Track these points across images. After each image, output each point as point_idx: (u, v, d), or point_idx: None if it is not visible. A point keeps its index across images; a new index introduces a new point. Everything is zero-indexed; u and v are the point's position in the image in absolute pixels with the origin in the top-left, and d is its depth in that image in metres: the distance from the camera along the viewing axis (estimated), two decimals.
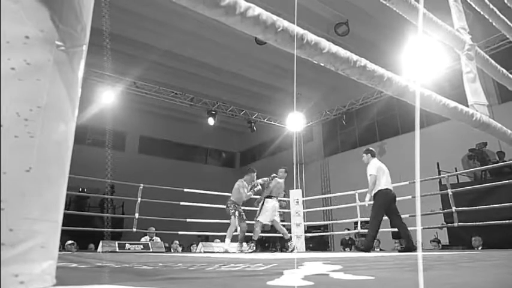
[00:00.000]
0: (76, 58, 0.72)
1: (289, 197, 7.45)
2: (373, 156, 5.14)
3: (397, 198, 6.23)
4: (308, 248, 8.41)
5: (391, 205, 4.88)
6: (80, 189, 10.20)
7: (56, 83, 0.66)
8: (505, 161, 6.56)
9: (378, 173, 4.89)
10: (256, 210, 5.74)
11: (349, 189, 7.23)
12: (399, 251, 5.12)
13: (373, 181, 4.85)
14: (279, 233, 5.96)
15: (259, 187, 5.83)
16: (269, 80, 12.16)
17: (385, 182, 4.87)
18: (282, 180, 5.87)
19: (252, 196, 5.82)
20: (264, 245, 9.88)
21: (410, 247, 4.64)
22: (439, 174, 7.14)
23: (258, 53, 10.29)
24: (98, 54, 7.21)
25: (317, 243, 10.52)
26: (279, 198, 5.80)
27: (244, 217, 5.81)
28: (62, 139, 0.68)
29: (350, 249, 5.82)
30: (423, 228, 6.31)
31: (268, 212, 5.60)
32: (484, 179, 6.68)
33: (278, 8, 4.53)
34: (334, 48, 1.03)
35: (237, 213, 5.66)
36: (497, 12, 2.16)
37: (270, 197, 5.70)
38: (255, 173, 5.98)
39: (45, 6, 0.66)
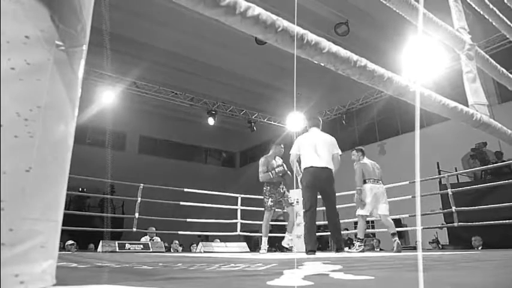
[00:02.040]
0: (76, 58, 0.72)
1: None
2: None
3: (397, 198, 6.23)
4: None
5: (322, 187, 4.09)
6: (80, 189, 10.20)
7: (56, 83, 0.66)
8: (504, 161, 6.56)
9: (301, 150, 4.11)
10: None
11: (348, 189, 7.21)
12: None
13: (292, 160, 4.14)
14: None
15: (281, 168, 4.85)
16: (269, 80, 12.16)
17: (310, 159, 4.02)
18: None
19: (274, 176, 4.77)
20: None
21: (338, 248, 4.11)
22: (439, 174, 7.14)
23: (258, 53, 10.29)
24: (98, 54, 7.20)
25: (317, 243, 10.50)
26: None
27: (277, 205, 4.78)
28: (62, 139, 0.68)
29: (349, 249, 5.75)
30: (423, 228, 6.31)
31: (368, 200, 4.73)
32: (484, 179, 6.68)
33: (278, 8, 4.52)
34: (335, 48, 1.03)
35: (269, 202, 4.72)
36: (497, 12, 2.16)
37: (364, 181, 4.87)
38: (282, 146, 5.12)
39: (45, 6, 0.65)
